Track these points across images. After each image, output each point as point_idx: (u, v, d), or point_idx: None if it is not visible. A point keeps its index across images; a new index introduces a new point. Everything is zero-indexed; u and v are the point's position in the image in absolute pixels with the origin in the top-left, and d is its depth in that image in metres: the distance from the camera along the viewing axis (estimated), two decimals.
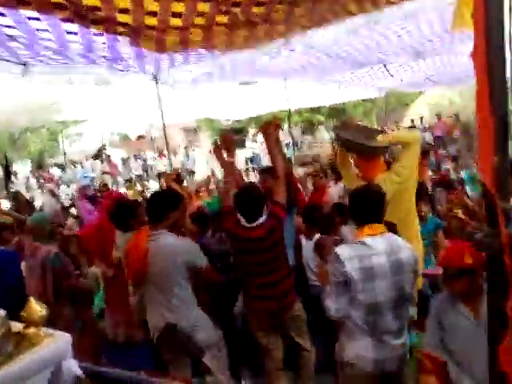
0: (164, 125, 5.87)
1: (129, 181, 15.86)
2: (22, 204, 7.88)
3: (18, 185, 13.26)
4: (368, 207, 2.41)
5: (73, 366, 1.70)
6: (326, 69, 6.51)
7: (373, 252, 2.31)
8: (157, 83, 5.46)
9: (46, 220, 3.61)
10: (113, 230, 3.54)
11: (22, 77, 3.83)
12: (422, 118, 17.69)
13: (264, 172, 3.86)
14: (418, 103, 20.11)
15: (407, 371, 2.56)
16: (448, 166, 9.48)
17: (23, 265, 3.55)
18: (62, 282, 3.37)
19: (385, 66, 7.70)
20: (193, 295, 2.96)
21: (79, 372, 1.70)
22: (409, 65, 7.79)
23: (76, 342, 1.76)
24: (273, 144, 3.26)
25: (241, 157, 16.35)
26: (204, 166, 15.71)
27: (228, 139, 3.40)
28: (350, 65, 6.41)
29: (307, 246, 4.03)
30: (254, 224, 2.89)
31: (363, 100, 19.36)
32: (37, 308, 1.72)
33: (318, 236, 3.96)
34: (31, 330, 1.71)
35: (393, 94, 16.65)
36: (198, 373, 3.04)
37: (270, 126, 3.31)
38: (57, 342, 1.69)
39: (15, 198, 7.97)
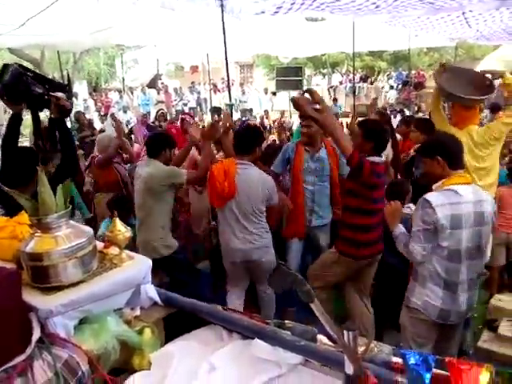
0: (226, 57, 5.68)
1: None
2: (83, 125, 8.19)
3: (77, 106, 13.67)
4: (459, 152, 2.45)
5: (150, 291, 1.67)
6: (400, 9, 6.08)
7: (462, 200, 2.31)
8: (222, 11, 5.29)
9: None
10: None
11: None
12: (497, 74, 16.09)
13: None
14: (489, 59, 18.63)
15: (464, 325, 2.63)
16: None
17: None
18: None
19: (463, 13, 7.13)
20: (266, 224, 3.21)
21: (157, 298, 1.68)
22: (490, 14, 7.14)
23: None
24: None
25: None
26: (257, 104, 15.48)
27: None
28: (427, 8, 5.95)
29: None
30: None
31: (429, 49, 18.16)
32: (122, 229, 1.67)
33: None
34: (113, 251, 1.68)
35: (463, 46, 15.46)
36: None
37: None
38: (138, 266, 1.64)
39: (77, 118, 8.21)
